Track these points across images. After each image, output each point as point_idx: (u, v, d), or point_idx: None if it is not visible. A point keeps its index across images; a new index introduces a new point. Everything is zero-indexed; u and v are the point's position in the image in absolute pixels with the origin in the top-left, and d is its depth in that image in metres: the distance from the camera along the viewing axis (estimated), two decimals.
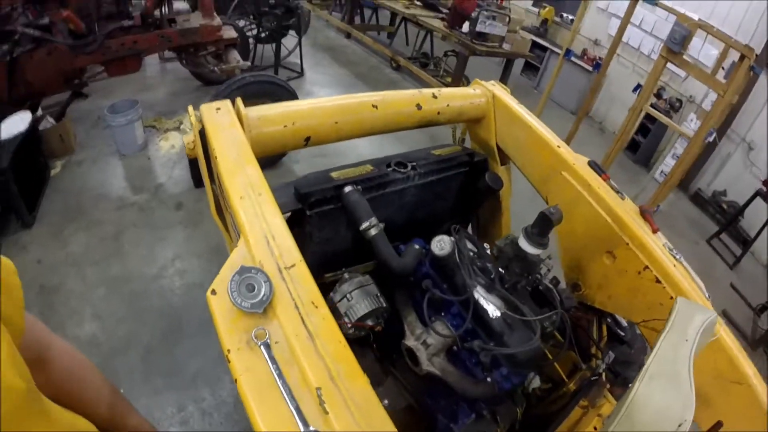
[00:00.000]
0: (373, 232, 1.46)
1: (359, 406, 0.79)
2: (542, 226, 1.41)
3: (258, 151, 1.40)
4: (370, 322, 1.48)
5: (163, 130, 4.89)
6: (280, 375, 0.80)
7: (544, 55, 8.40)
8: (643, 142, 7.13)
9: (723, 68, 4.48)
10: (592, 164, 1.73)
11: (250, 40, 6.05)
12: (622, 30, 4.66)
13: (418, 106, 1.78)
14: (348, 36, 8.76)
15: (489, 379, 1.38)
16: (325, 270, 1.72)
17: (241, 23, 5.91)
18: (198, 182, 1.71)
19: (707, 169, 6.66)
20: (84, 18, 3.76)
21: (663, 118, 4.70)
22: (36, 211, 3.54)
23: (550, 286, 1.61)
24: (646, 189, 5.53)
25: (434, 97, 1.83)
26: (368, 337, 1.57)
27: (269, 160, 4.40)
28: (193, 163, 1.63)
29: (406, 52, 7.69)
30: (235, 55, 4.93)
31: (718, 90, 3.79)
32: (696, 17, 3.86)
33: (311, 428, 0.75)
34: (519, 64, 8.59)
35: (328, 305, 1.48)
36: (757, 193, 5.45)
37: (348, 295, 1.47)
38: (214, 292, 0.92)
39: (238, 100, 1.50)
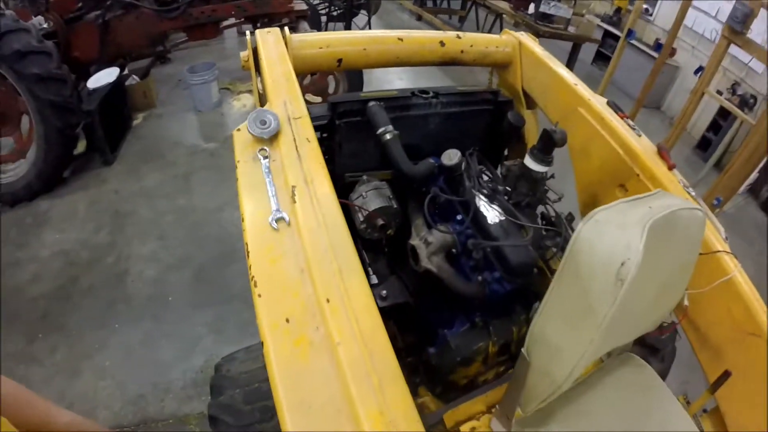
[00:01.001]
0: (387, 136, 1.61)
1: (321, 203, 1.00)
2: (545, 144, 1.51)
3: (298, 68, 1.64)
4: (381, 221, 1.64)
5: (236, 92, 5.34)
6: (269, 177, 1.05)
7: (616, 45, 8.06)
8: (714, 140, 6.70)
9: None
10: (611, 104, 1.78)
11: (323, 18, 6.36)
12: (683, 10, 4.46)
13: (442, 43, 1.90)
14: (419, 18, 8.90)
15: (480, 278, 1.50)
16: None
17: (315, 1, 6.24)
18: None
19: None
20: None
21: (723, 102, 4.45)
22: (117, 152, 4.06)
23: (560, 214, 1.68)
24: (706, 181, 5.22)
25: (458, 37, 1.95)
26: (381, 242, 1.74)
27: None
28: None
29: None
30: (305, 27, 5.24)
31: None
32: None
33: (279, 210, 0.97)
34: (590, 53, 8.31)
35: (348, 202, 1.70)
36: None
37: (364, 194, 1.65)
38: (239, 129, 1.18)
39: (285, 29, 1.73)
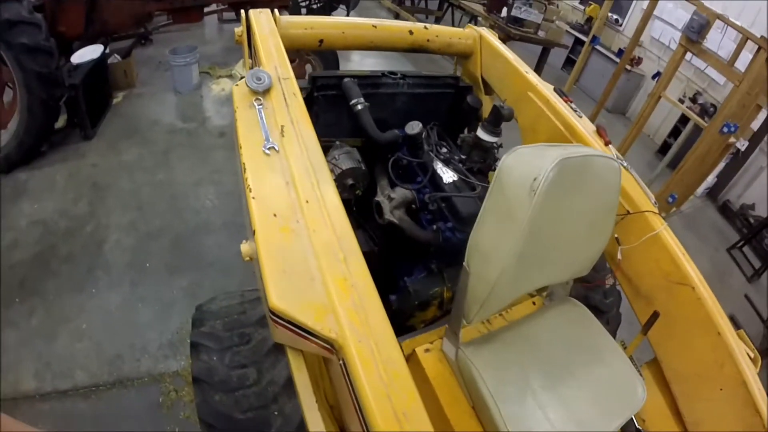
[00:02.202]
0: (359, 107, 1.84)
1: (304, 137, 1.27)
2: (495, 118, 1.74)
3: (285, 45, 1.86)
4: (350, 181, 1.84)
5: (216, 76, 5.45)
6: (262, 119, 1.28)
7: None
8: (674, 144, 7.11)
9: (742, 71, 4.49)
10: (558, 90, 2.03)
11: (303, 10, 6.52)
12: (645, 19, 4.82)
13: (410, 32, 2.17)
14: (396, 16, 9.12)
15: (434, 227, 1.71)
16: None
17: None
18: None
19: (738, 181, 6.58)
20: None
21: (679, 105, 4.81)
22: (97, 128, 4.14)
23: None
24: (662, 180, 5.55)
25: (425, 28, 2.22)
26: (350, 202, 1.94)
27: None
28: None
29: None
30: None
31: (733, 80, 3.87)
32: (714, 9, 3.94)
33: (271, 140, 1.22)
34: (559, 58, 8.69)
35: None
36: None
37: (337, 156, 1.85)
38: (237, 84, 1.41)
39: (275, 9, 1.95)
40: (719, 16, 3.82)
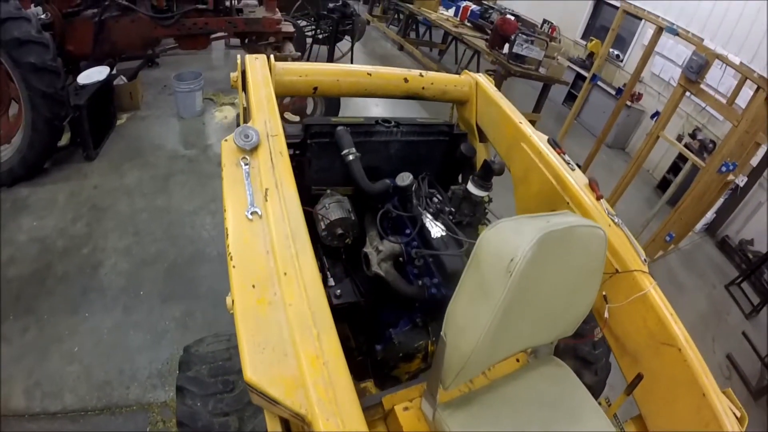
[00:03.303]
0: (350, 157, 1.87)
1: (287, 203, 1.29)
2: (486, 172, 1.77)
3: (279, 91, 1.92)
4: (340, 230, 1.86)
5: (219, 103, 5.55)
6: (247, 179, 1.32)
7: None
8: (673, 181, 7.13)
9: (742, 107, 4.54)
10: (551, 140, 2.06)
11: (308, 40, 6.66)
12: (645, 58, 4.87)
13: (405, 80, 2.21)
14: (401, 48, 9.32)
15: (420, 282, 1.73)
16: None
17: (302, 23, 6.54)
18: None
19: (737, 217, 6.56)
20: None
21: (676, 144, 4.82)
22: (100, 149, 4.21)
23: None
24: (661, 218, 5.57)
25: (421, 75, 2.25)
26: (339, 250, 1.96)
27: None
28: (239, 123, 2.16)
29: (452, 69, 8.13)
30: (290, 47, 5.52)
31: (731, 119, 3.88)
32: (714, 47, 3.98)
33: (254, 206, 1.25)
34: (561, 93, 8.81)
35: (312, 209, 1.94)
36: None
37: (327, 205, 1.88)
38: (226, 140, 1.45)
39: (271, 57, 2.00)
40: (719, 56, 3.86)
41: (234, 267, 1.09)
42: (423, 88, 2.24)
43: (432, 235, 1.75)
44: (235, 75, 1.98)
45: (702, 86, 4.12)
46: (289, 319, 0.99)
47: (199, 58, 6.41)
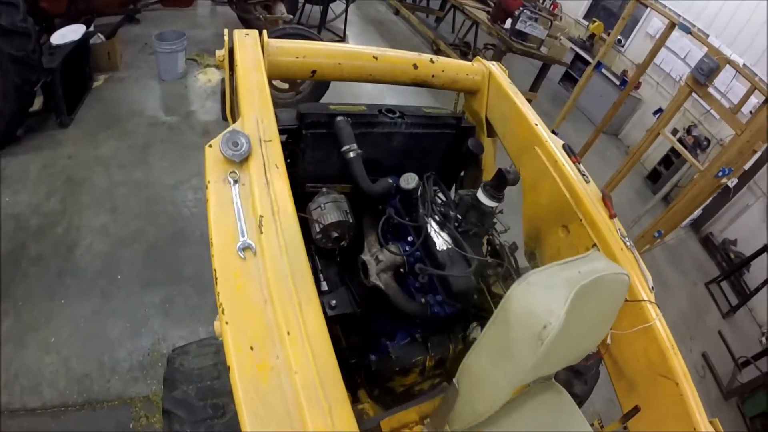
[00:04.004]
0: (351, 154, 1.69)
1: (285, 234, 1.07)
2: (498, 182, 1.62)
3: (272, 73, 1.69)
4: (336, 233, 1.71)
5: (203, 65, 5.20)
6: (238, 202, 1.10)
7: (585, 69, 8.40)
8: (664, 174, 7.16)
9: (750, 113, 4.49)
10: (566, 147, 1.90)
11: (300, 1, 6.29)
12: (654, 52, 4.72)
13: (415, 66, 1.99)
14: (396, 12, 8.92)
15: (423, 300, 1.60)
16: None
17: None
18: (227, 115, 2.00)
19: (723, 215, 6.66)
20: None
21: (676, 144, 4.75)
22: (75, 114, 3.90)
23: (503, 244, 1.80)
24: (650, 212, 5.58)
25: (431, 62, 2.04)
26: (334, 251, 1.81)
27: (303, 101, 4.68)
28: (225, 97, 1.91)
29: (448, 39, 7.85)
30: (281, 8, 5.20)
31: (735, 128, 3.81)
32: (729, 52, 3.89)
33: (247, 239, 1.03)
34: (558, 73, 8.61)
35: (306, 213, 1.76)
36: (764, 248, 5.47)
37: (322, 205, 1.71)
38: (210, 146, 1.21)
39: (264, 32, 1.76)
40: (730, 62, 3.74)
41: (227, 323, 0.92)
42: (433, 75, 2.05)
43: (437, 247, 1.61)
44: (221, 53, 1.73)
45: (709, 90, 4.03)
46: (296, 390, 0.84)
47: (184, 16, 5.98)
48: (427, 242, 1.62)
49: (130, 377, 2.46)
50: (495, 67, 2.18)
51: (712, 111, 6.02)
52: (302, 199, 1.82)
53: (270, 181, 1.17)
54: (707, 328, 5.06)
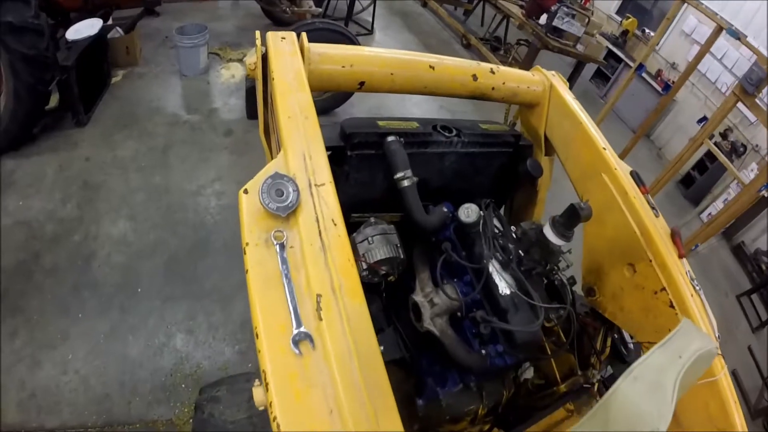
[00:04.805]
0: (405, 183, 1.50)
1: (352, 321, 0.84)
2: (569, 219, 1.41)
3: (313, 85, 1.46)
4: (384, 269, 1.53)
5: (226, 59, 5.01)
6: (287, 275, 0.87)
7: (617, 66, 8.09)
8: (698, 179, 6.87)
9: None
10: (634, 174, 1.70)
11: None
12: (699, 57, 4.45)
13: (474, 77, 1.78)
14: (424, 5, 8.63)
15: (483, 352, 1.42)
16: (355, 212, 1.75)
17: None
18: (251, 113, 1.79)
19: (756, 224, 6.38)
20: None
21: (722, 158, 4.49)
22: (92, 112, 3.74)
23: (566, 282, 1.61)
24: (688, 224, 5.37)
25: (492, 72, 1.82)
26: (380, 285, 1.63)
27: (322, 107, 4.48)
28: (250, 94, 1.71)
29: (478, 32, 7.57)
30: (309, 1, 4.98)
31: None
32: (758, 47, 3.63)
33: (303, 329, 0.81)
34: (589, 69, 8.28)
35: (351, 243, 1.57)
36: None
37: (370, 239, 1.52)
38: (246, 191, 1.00)
39: (303, 35, 1.54)
40: None
41: None
42: (493, 88, 1.84)
43: (499, 291, 1.41)
44: (252, 60, 1.54)
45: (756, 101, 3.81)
46: None
47: (205, 8, 5.78)
48: (488, 284, 1.42)
49: (152, 399, 2.32)
50: (556, 79, 1.96)
51: (749, 116, 5.75)
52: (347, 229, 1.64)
53: (327, 243, 0.94)
54: (737, 342, 4.89)
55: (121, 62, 4.36)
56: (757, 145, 6.23)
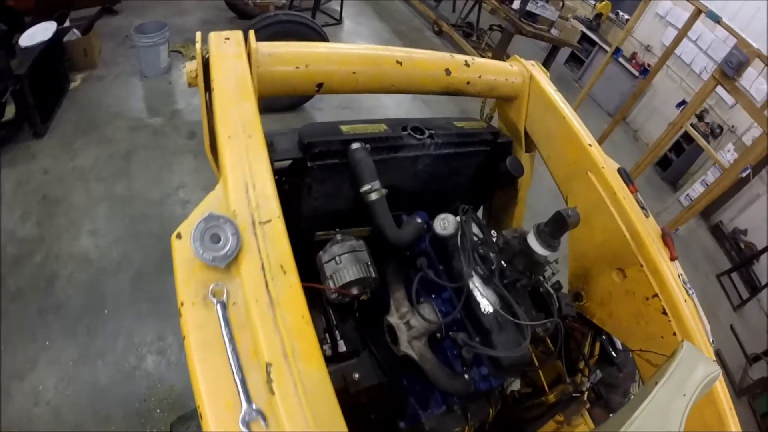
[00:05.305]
0: (373, 196, 1.37)
1: (309, 392, 0.72)
2: (555, 227, 1.30)
3: (264, 90, 1.31)
4: (355, 291, 1.41)
5: (189, 57, 4.78)
6: (231, 340, 0.73)
7: (591, 50, 8.05)
8: (675, 161, 6.92)
9: None
10: (622, 172, 1.60)
11: None
12: (677, 41, 4.43)
13: (447, 72, 1.63)
14: None
15: (467, 376, 1.31)
16: (319, 227, 1.63)
17: None
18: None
19: (733, 204, 6.50)
20: None
21: (702, 142, 4.49)
22: (50, 122, 3.52)
23: (551, 291, 1.52)
24: (668, 210, 5.39)
25: (466, 65, 1.68)
26: (352, 304, 1.51)
27: (290, 102, 4.31)
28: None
29: (450, 19, 7.41)
30: None
31: (763, 126, 3.61)
32: (755, 46, 3.62)
33: (254, 406, 0.68)
34: (563, 53, 8.23)
35: (317, 263, 1.44)
36: None
37: (337, 258, 1.39)
38: (179, 236, 0.85)
39: (251, 33, 1.35)
40: (760, 55, 3.48)
41: None
42: (468, 82, 1.69)
43: (482, 309, 1.30)
44: (192, 67, 1.32)
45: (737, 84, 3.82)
46: None
47: (166, 2, 5.53)
48: (470, 302, 1.32)
49: (126, 426, 2.20)
50: (536, 70, 1.84)
51: (727, 99, 5.77)
52: (304, 246, 1.53)
53: (275, 298, 0.78)
54: (718, 322, 4.96)
55: (79, 66, 4.12)
56: (733, 126, 6.29)
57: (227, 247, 0.81)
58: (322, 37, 4.00)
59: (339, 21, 6.36)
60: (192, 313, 0.77)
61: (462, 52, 6.48)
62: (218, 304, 0.76)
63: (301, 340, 0.76)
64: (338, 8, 6.33)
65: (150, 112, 3.96)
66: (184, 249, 0.83)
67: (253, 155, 0.99)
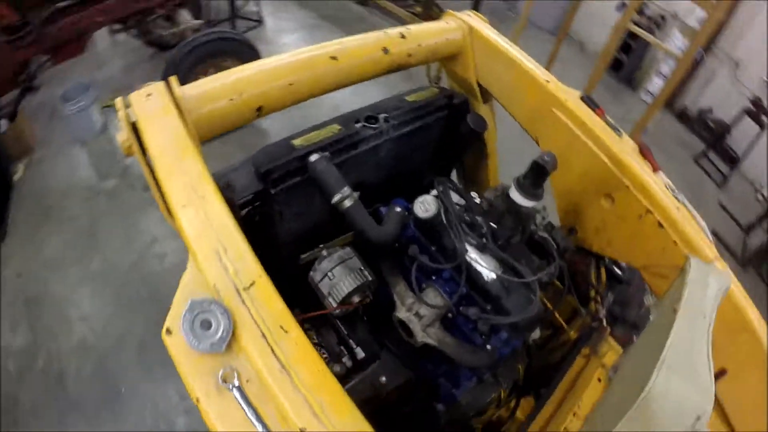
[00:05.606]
0: (346, 203, 1.30)
1: None
2: (535, 176, 1.27)
3: (204, 134, 1.23)
4: (356, 299, 1.39)
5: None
6: (259, 419, 0.71)
7: None
8: (626, 62, 6.89)
9: None
10: (585, 98, 1.57)
11: None
12: None
13: (385, 50, 1.56)
14: None
15: (489, 347, 1.30)
16: (302, 249, 1.58)
17: None
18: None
19: (692, 86, 6.52)
20: (14, 7, 3.41)
21: (649, 38, 4.47)
22: (5, 223, 3.36)
23: (545, 235, 1.49)
24: (632, 110, 5.39)
25: (402, 37, 1.60)
26: (357, 309, 1.49)
27: None
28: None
29: None
30: (185, 16, 4.63)
31: (706, 8, 3.61)
32: None
33: None
34: None
35: (311, 284, 1.40)
36: (745, 112, 5.48)
37: (329, 273, 1.37)
38: (169, 331, 0.81)
39: (172, 80, 1.25)
40: None
41: None
42: (409, 55, 1.62)
43: (485, 278, 1.27)
44: (124, 137, 1.18)
45: None
46: None
47: (83, 58, 5.20)
48: (471, 275, 1.29)
49: None
50: (473, 19, 1.76)
51: None
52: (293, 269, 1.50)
53: (285, 361, 0.75)
54: (707, 203, 5.05)
55: (16, 154, 3.89)
56: (674, 12, 6.23)
57: (221, 330, 0.77)
58: (248, 45, 3.92)
59: (260, 22, 6.15)
60: (211, 405, 0.74)
61: (390, 15, 6.33)
62: (233, 389, 0.74)
63: (325, 393, 0.75)
64: (256, 9, 6.11)
65: (100, 176, 3.82)
66: (178, 343, 0.79)
67: (213, 216, 0.94)
